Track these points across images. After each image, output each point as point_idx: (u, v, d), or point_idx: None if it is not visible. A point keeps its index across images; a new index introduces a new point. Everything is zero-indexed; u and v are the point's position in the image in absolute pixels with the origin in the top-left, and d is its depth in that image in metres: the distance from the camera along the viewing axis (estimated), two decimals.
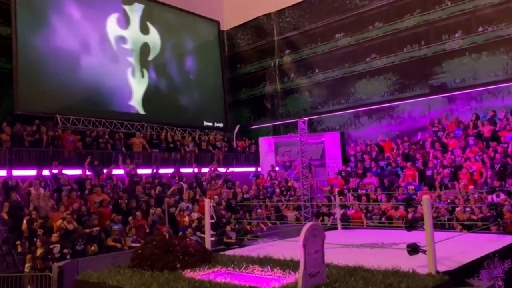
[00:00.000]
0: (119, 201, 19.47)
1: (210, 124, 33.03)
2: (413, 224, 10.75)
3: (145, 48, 30.23)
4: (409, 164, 23.32)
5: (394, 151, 25.49)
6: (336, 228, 18.05)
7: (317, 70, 31.88)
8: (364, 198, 22.26)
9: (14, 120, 22.33)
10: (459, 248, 11.76)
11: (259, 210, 23.00)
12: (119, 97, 28.14)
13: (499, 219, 16.28)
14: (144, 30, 30.48)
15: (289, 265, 10.19)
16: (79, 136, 23.70)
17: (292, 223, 22.06)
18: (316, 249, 8.50)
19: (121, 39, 28.97)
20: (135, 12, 30.14)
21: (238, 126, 32.09)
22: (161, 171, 24.16)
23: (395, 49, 28.00)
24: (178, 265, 10.57)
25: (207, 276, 9.81)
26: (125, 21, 29.44)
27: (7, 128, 20.96)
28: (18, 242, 16.11)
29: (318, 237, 8.60)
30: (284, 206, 24.05)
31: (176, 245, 11.15)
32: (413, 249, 9.72)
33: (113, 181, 21.47)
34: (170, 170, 24.67)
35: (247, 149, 31.54)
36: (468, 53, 25.20)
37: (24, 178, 19.15)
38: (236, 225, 20.05)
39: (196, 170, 25.73)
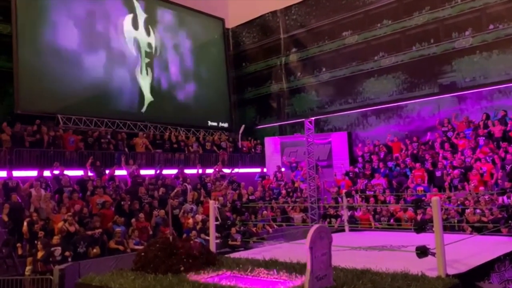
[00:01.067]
0: (122, 203, 19.45)
1: (215, 124, 33.05)
2: (422, 226, 10.73)
3: (149, 47, 30.24)
4: (418, 165, 23.29)
5: (403, 151, 25.48)
6: (343, 230, 18.04)
7: (324, 69, 31.86)
8: (372, 199, 22.26)
9: (15, 119, 22.34)
10: (469, 251, 11.74)
11: (265, 212, 23.00)
12: (121, 96, 28.17)
13: (510, 221, 16.26)
14: (148, 28, 30.50)
15: (296, 268, 10.19)
16: (81, 136, 23.67)
17: (298, 225, 22.02)
18: (323, 252, 8.49)
19: (125, 37, 29.01)
20: (140, 10, 30.19)
21: (243, 126, 32.05)
22: (165, 172, 24.10)
23: (404, 47, 27.95)
24: (182, 268, 10.58)
25: (212, 279, 9.82)
26: (129, 19, 29.48)
27: (7, 128, 20.97)
28: (18, 244, 16.10)
29: (325, 239, 8.60)
30: (290, 207, 24.03)
31: (180, 248, 11.15)
32: (422, 251, 9.70)
33: (115, 182, 21.46)
34: (173, 171, 24.60)
35: (253, 150, 31.56)
36: (478, 51, 25.15)
37: (24, 179, 19.10)
38: (242, 227, 20.02)
39: (200, 171, 25.70)
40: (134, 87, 28.92)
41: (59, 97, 25.06)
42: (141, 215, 18.67)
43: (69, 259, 15.23)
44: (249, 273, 10.25)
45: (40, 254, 14.94)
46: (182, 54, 32.53)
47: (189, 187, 23.17)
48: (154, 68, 30.23)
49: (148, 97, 29.44)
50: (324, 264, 8.49)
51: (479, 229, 16.26)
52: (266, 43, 35.42)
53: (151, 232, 18.47)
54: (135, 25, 29.67)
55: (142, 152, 25.41)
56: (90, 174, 21.12)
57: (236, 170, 26.98)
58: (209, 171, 26.08)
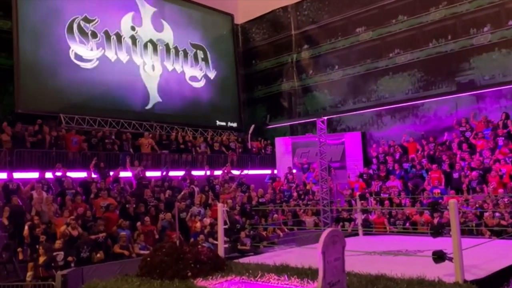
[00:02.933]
0: (127, 206, 19.53)
1: (224, 123, 33.07)
2: (439, 230, 10.72)
3: (155, 43, 30.27)
4: (434, 166, 23.20)
5: (419, 152, 25.38)
6: (357, 234, 18.03)
7: (337, 67, 31.80)
8: (387, 202, 22.19)
9: (15, 119, 22.34)
10: (488, 256, 11.70)
11: (275, 215, 23.03)
12: (126, 95, 28.16)
13: None
14: (155, 24, 30.55)
15: (307, 273, 10.18)
16: (84, 137, 23.72)
17: (310, 229, 22.03)
18: (336, 257, 8.48)
19: (131, 34, 29.04)
20: (146, 5, 30.24)
21: (253, 126, 31.95)
22: (171, 173, 24.16)
23: (420, 44, 27.86)
24: (190, 274, 10.59)
25: (220, 285, 9.84)
26: (135, 15, 29.51)
27: (7, 128, 20.96)
28: (19, 249, 16.17)
29: (338, 244, 8.58)
30: (302, 211, 24.00)
31: (187, 253, 11.17)
32: (439, 256, 9.68)
33: (120, 184, 21.52)
34: (180, 173, 24.68)
35: (263, 150, 31.49)
36: (497, 48, 25.02)
37: (25, 181, 19.15)
38: (251, 231, 20.05)
39: (208, 172, 25.75)
40: (139, 85, 28.95)
41: (62, 96, 25.10)
42: (147, 218, 18.73)
43: (72, 264, 15.27)
44: (259, 279, 10.25)
45: (41, 259, 14.96)
46: (190, 51, 32.50)
47: (196, 189, 23.17)
48: (160, 65, 30.25)
49: (154, 96, 29.47)
50: (337, 270, 8.47)
51: (498, 233, 16.21)
52: (276, 39, 35.39)
53: (157, 236, 18.51)
54: (139, 21, 29.69)
55: (148, 153, 25.42)
56: (93, 176, 21.17)
57: (245, 171, 27.01)
58: (218, 172, 26.11)
